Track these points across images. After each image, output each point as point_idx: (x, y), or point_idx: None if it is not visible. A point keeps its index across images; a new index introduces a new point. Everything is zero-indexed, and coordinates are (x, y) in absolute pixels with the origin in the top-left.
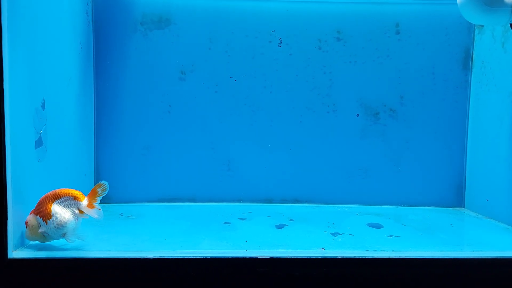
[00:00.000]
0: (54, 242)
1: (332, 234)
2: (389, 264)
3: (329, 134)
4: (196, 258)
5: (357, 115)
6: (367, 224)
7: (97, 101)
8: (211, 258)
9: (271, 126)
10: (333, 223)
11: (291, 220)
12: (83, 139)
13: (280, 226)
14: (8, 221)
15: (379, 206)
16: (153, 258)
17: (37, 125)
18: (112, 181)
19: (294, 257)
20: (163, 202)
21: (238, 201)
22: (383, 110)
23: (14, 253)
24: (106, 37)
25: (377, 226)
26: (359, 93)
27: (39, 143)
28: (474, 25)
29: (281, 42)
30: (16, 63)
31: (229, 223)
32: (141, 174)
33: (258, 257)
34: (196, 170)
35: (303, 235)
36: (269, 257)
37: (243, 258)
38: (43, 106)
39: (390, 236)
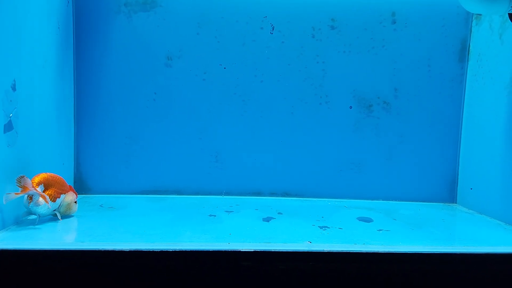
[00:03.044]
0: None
1: (321, 227)
2: (377, 258)
3: (322, 127)
4: (175, 251)
5: (350, 107)
6: (357, 218)
7: (77, 86)
8: (191, 250)
9: (261, 117)
10: (322, 217)
11: (279, 213)
12: (61, 126)
13: (267, 219)
14: None
15: (371, 201)
16: (129, 251)
17: (7, 108)
18: (93, 171)
19: (279, 250)
20: (147, 194)
21: (226, 193)
22: (376, 102)
23: None
24: (87, 19)
25: (367, 220)
26: (353, 84)
27: (8, 127)
28: (472, 16)
29: (273, 29)
30: None
31: (215, 215)
32: (124, 165)
33: (242, 250)
34: (182, 161)
35: (290, 229)
36: (252, 250)
37: (226, 251)
38: (13, 88)
39: (380, 230)
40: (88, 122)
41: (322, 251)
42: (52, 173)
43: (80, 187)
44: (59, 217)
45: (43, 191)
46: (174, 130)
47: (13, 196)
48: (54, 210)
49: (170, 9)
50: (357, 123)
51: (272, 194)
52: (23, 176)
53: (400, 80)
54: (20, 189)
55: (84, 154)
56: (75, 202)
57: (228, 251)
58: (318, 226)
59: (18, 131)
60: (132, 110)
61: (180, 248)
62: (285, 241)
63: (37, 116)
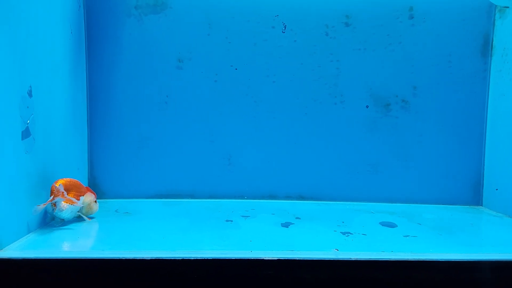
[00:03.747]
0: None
1: (343, 233)
2: (407, 266)
3: (337, 127)
4: (196, 259)
5: (367, 106)
6: (380, 223)
7: (90, 90)
8: (213, 259)
9: (274, 118)
10: (343, 222)
11: (297, 218)
12: (75, 130)
13: (286, 225)
14: None
15: (390, 204)
16: (150, 259)
17: (24, 114)
18: (106, 175)
19: (304, 258)
20: (160, 198)
21: (240, 197)
22: (394, 101)
23: (0, 253)
24: (98, 22)
25: (391, 225)
26: (369, 82)
27: (26, 133)
28: (495, 9)
29: (285, 28)
30: None
31: (231, 220)
32: (137, 168)
33: (264, 258)
34: (195, 165)
35: (311, 235)
36: (276, 258)
37: (248, 259)
38: (30, 94)
39: (406, 236)
40: (101, 126)
41: (350, 259)
42: (69, 178)
43: (94, 191)
44: (84, 218)
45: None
46: (186, 132)
47: (41, 207)
48: (77, 212)
49: (180, 11)
50: (374, 123)
51: (287, 197)
52: (52, 185)
53: (419, 77)
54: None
55: (98, 158)
56: (95, 201)
57: (251, 259)
58: (340, 232)
59: (35, 137)
60: (144, 114)
61: (202, 256)
62: (309, 249)
63: (53, 122)
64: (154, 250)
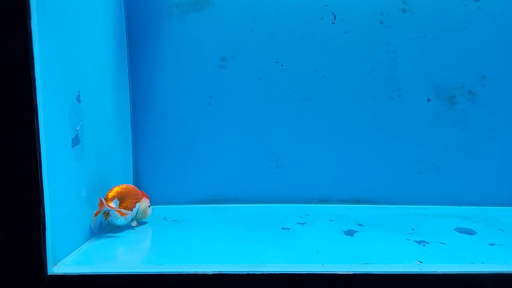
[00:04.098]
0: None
1: (418, 242)
2: (504, 280)
3: (395, 123)
4: (263, 274)
5: (428, 99)
6: (455, 229)
7: (133, 93)
8: (281, 274)
9: (324, 116)
10: (413, 229)
11: (359, 224)
12: (121, 135)
13: (349, 233)
14: (46, 231)
15: (459, 207)
16: (213, 274)
17: (73, 120)
18: (151, 180)
19: (382, 272)
20: (206, 203)
21: (289, 201)
22: (460, 92)
23: (55, 268)
24: (139, 23)
25: (468, 231)
26: (430, 73)
27: (76, 141)
28: None
29: (334, 18)
30: (47, 49)
31: (288, 228)
32: (182, 174)
33: (338, 272)
34: (241, 168)
35: (382, 244)
36: (351, 272)
37: (320, 274)
38: (78, 99)
39: (492, 244)
40: (144, 130)
41: (436, 272)
42: (124, 184)
43: None
44: (134, 224)
45: (119, 204)
46: (231, 134)
47: (94, 219)
48: (132, 220)
49: (222, 7)
50: (437, 118)
51: (340, 201)
52: (100, 197)
53: (488, 65)
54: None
55: (142, 163)
56: (149, 206)
57: (324, 274)
58: (414, 241)
59: (85, 144)
60: (187, 116)
61: (268, 270)
62: (385, 261)
63: (100, 128)
64: (215, 264)
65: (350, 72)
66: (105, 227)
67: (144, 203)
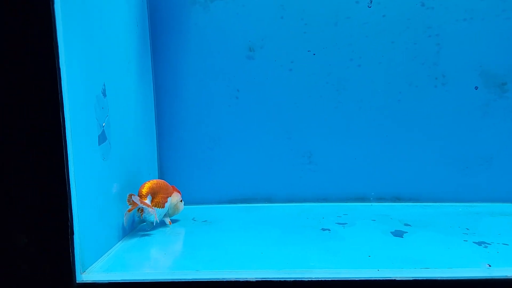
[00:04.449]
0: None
1: (477, 243)
2: None
3: (438, 114)
4: (311, 281)
5: (476, 87)
6: None
7: (156, 87)
8: (332, 280)
9: (360, 108)
10: (467, 229)
11: (406, 224)
12: (147, 132)
13: (397, 234)
14: (74, 235)
15: (511, 204)
16: (256, 281)
17: (99, 116)
18: (177, 179)
19: (447, 278)
20: (235, 203)
21: (323, 200)
22: (511, 79)
23: (84, 276)
24: (162, 13)
25: None
26: (478, 59)
27: (102, 138)
28: None
29: (371, 2)
30: (71, 38)
31: (328, 229)
32: (209, 172)
33: (396, 278)
34: (271, 165)
35: (438, 246)
36: (411, 278)
37: (377, 281)
38: (104, 93)
39: None
40: (169, 126)
41: (508, 277)
42: (155, 180)
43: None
44: (168, 222)
45: (151, 200)
46: (260, 130)
47: (128, 215)
48: (165, 215)
49: None
50: (486, 107)
51: (379, 199)
52: (132, 195)
53: None
54: (130, 205)
55: (167, 161)
56: (181, 200)
57: (380, 280)
58: (473, 242)
59: (111, 142)
60: (213, 111)
61: (317, 277)
62: (447, 264)
63: (126, 124)
64: (258, 270)
65: (388, 60)
66: (136, 226)
67: (175, 197)
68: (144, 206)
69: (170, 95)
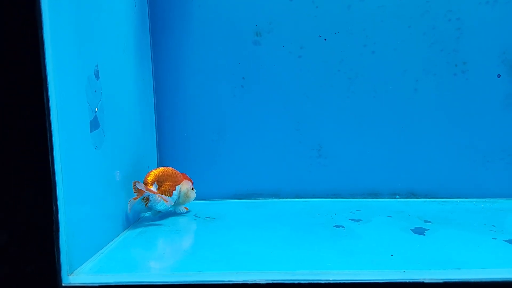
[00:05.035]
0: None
1: (508, 242)
2: None
3: (458, 104)
4: (329, 283)
5: (498, 76)
6: None
7: (156, 73)
8: (351, 283)
9: (374, 97)
10: (494, 226)
11: (426, 221)
12: (145, 121)
13: (418, 231)
14: (60, 232)
15: None
16: (266, 283)
17: (91, 100)
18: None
19: (481, 280)
20: (240, 199)
21: (334, 195)
22: None
23: (71, 278)
24: None
25: None
26: (502, 45)
27: (95, 124)
28: None
29: None
30: (58, 10)
31: (342, 226)
32: (213, 165)
33: (424, 281)
34: (278, 159)
35: (465, 245)
36: (441, 281)
37: (403, 283)
38: (97, 75)
39: None
40: (169, 116)
41: None
42: (162, 167)
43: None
44: (183, 209)
45: (158, 188)
46: (267, 121)
47: (132, 202)
48: (174, 202)
49: None
50: (510, 97)
51: (393, 195)
52: (137, 182)
53: None
54: (136, 193)
55: (168, 154)
56: (192, 189)
57: (407, 282)
58: (504, 240)
59: (104, 129)
60: (217, 100)
61: (334, 279)
62: (479, 265)
63: (122, 111)
64: (269, 271)
65: (405, 46)
66: (140, 216)
67: (185, 185)
68: (150, 194)
69: (171, 82)
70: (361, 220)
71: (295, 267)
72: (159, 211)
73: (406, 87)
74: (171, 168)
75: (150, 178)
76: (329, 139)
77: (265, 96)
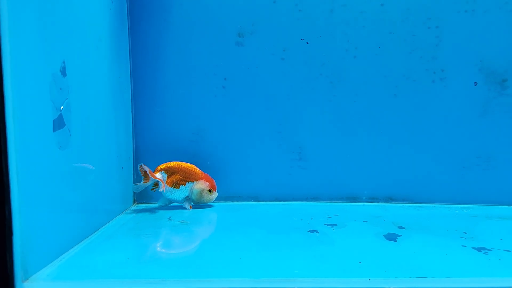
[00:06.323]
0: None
1: (477, 249)
2: None
3: (436, 111)
4: None
5: (475, 83)
6: None
7: (134, 72)
8: None
9: (355, 101)
10: (465, 233)
11: (399, 227)
12: (119, 121)
13: (391, 237)
14: (13, 236)
15: (509, 206)
16: None
17: (56, 98)
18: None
19: None
20: (218, 201)
21: (313, 199)
22: None
23: (26, 284)
24: None
25: None
26: (479, 53)
27: (59, 123)
28: None
29: None
30: (19, 10)
31: (317, 231)
32: None
33: None
34: (258, 161)
35: (435, 252)
36: None
37: None
38: (63, 72)
39: None
40: (147, 115)
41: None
42: (181, 162)
43: (141, 195)
44: (188, 207)
45: (166, 178)
46: (248, 122)
47: (141, 185)
48: (186, 197)
49: None
50: (486, 105)
51: (371, 199)
52: (142, 165)
53: None
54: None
55: (144, 155)
56: (209, 191)
57: None
58: (472, 248)
59: (71, 128)
60: (197, 101)
61: (299, 287)
62: (445, 274)
63: (93, 109)
64: (232, 279)
65: (386, 52)
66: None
67: (200, 185)
68: (158, 181)
69: (149, 81)
70: (336, 225)
71: (261, 274)
72: (170, 201)
73: (386, 93)
74: (191, 165)
75: (160, 166)
76: (310, 142)
77: (247, 97)
